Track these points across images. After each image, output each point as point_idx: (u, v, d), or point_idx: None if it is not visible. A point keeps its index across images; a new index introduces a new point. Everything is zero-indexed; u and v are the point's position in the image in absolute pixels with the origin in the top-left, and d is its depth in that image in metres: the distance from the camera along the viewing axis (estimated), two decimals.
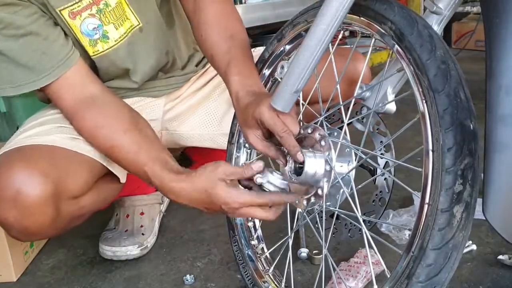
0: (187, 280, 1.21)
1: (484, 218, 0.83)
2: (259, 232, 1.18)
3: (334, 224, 1.03)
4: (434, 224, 0.72)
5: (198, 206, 0.99)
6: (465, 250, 1.23)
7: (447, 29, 3.74)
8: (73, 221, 1.15)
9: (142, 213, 1.44)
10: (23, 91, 1.08)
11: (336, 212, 0.94)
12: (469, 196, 0.72)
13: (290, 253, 1.03)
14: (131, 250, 1.33)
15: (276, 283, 1.10)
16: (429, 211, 0.73)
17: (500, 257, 1.18)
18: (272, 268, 1.11)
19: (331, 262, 0.93)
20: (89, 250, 1.41)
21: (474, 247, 1.24)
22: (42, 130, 1.14)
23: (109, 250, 1.33)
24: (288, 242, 1.04)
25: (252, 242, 1.17)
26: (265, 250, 1.16)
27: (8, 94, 1.10)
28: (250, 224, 1.18)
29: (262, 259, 1.15)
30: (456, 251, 0.73)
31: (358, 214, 0.87)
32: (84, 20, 1.12)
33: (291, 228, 1.06)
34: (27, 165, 1.02)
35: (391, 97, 0.94)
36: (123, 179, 1.21)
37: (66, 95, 1.09)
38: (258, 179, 0.94)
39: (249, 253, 1.16)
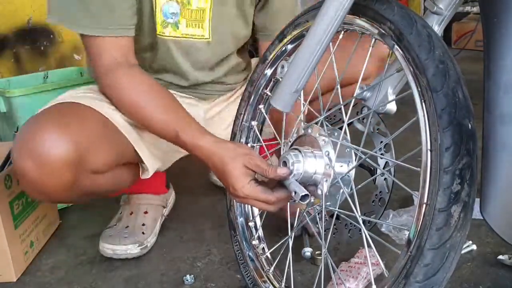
0: (187, 280, 1.21)
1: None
2: (260, 232, 1.18)
3: (335, 225, 1.03)
4: (431, 224, 0.72)
5: (215, 172, 1.03)
6: (465, 250, 1.23)
7: (447, 29, 3.74)
8: (82, 196, 1.20)
9: (146, 212, 1.44)
10: (79, 31, 1.15)
11: (336, 212, 0.94)
12: (467, 196, 0.72)
13: (290, 253, 1.03)
14: (131, 249, 1.33)
15: (276, 283, 1.10)
16: (427, 210, 0.73)
17: (500, 257, 1.18)
18: (272, 268, 1.12)
19: (331, 263, 0.93)
20: (89, 250, 1.41)
21: (474, 247, 1.24)
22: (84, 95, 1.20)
23: (109, 248, 1.33)
24: (288, 242, 1.04)
25: (253, 242, 1.17)
26: (266, 250, 1.16)
27: (68, 27, 1.17)
28: (251, 224, 1.18)
29: (263, 259, 1.15)
30: (454, 251, 0.73)
31: (358, 214, 0.87)
32: (169, 1, 1.22)
33: (291, 228, 1.06)
34: (60, 126, 1.07)
35: (391, 97, 0.94)
36: (151, 171, 1.25)
37: (109, 52, 1.14)
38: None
39: (250, 253, 1.16)
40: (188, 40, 1.28)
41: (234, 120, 1.22)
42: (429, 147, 0.73)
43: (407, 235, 1.28)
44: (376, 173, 1.00)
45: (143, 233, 1.38)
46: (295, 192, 0.90)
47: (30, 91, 1.55)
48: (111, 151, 1.16)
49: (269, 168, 0.95)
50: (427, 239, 0.72)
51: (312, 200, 0.96)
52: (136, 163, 1.27)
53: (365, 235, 0.86)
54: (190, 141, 1.06)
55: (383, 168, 0.99)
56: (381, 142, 0.97)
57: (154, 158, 1.26)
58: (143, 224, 1.40)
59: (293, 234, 1.05)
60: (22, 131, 1.10)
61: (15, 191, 1.29)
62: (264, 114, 1.18)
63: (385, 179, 0.98)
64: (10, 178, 1.28)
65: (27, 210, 1.35)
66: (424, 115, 0.75)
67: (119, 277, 1.27)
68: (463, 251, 1.23)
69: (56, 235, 1.50)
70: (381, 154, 0.99)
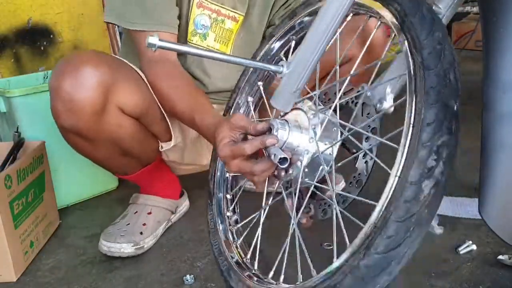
0: (187, 280, 1.21)
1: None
2: (235, 205, 1.20)
3: (309, 204, 1.02)
4: (400, 196, 0.71)
5: (213, 144, 1.07)
6: (465, 250, 1.23)
7: (447, 29, 3.74)
8: (105, 142, 1.26)
9: (149, 213, 1.45)
10: (132, 28, 1.29)
11: (312, 190, 0.94)
12: (440, 174, 0.71)
13: (260, 226, 1.04)
14: (125, 248, 1.33)
15: (242, 254, 1.11)
16: (398, 183, 0.72)
17: (500, 257, 1.18)
18: (241, 239, 1.13)
19: (298, 236, 0.93)
20: (89, 250, 1.41)
21: (474, 247, 1.24)
22: None
23: (105, 245, 1.34)
24: (260, 214, 1.05)
25: (227, 214, 1.18)
26: (238, 222, 1.18)
27: (123, 25, 1.32)
28: (228, 196, 1.20)
29: (234, 231, 1.16)
30: (419, 228, 0.72)
31: (332, 188, 0.87)
32: (202, 15, 1.38)
33: (266, 200, 1.07)
34: (101, 58, 1.21)
35: (389, 96, 0.94)
36: (173, 142, 1.37)
37: None
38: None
39: (222, 225, 1.17)
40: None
41: (231, 94, 1.26)
42: (411, 122, 0.73)
43: None
44: (358, 155, 0.99)
45: (141, 233, 1.38)
46: (274, 155, 0.90)
47: (30, 91, 1.55)
48: (141, 98, 1.27)
49: (251, 125, 0.96)
50: (394, 211, 0.71)
51: (291, 172, 0.96)
52: (156, 140, 1.38)
53: (336, 212, 0.85)
54: (201, 122, 1.13)
55: (366, 153, 0.98)
56: (369, 126, 0.96)
57: (178, 132, 1.38)
58: (144, 224, 1.41)
59: (267, 207, 1.06)
60: (63, 59, 1.22)
61: (15, 191, 1.29)
62: (262, 92, 1.20)
63: (366, 162, 0.97)
64: (10, 178, 1.28)
65: (27, 210, 1.35)
66: (412, 91, 0.75)
67: (119, 277, 1.27)
68: (463, 251, 1.23)
69: (56, 235, 1.50)
70: (368, 129, 0.97)
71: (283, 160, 0.89)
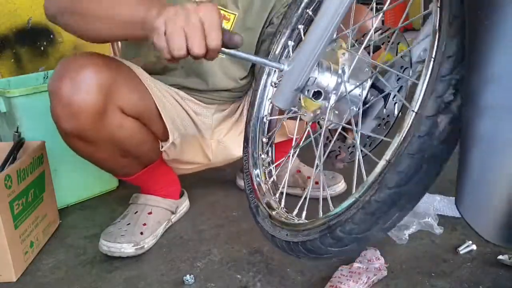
0: (187, 280, 1.21)
1: None
2: (270, 148, 1.23)
3: (339, 147, 1.02)
4: (415, 131, 0.69)
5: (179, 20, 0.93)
6: (465, 250, 1.23)
7: None
8: (107, 143, 1.26)
9: (150, 213, 1.45)
10: None
11: (340, 132, 0.96)
12: (458, 109, 0.68)
13: (288, 169, 1.10)
14: (125, 248, 1.33)
15: (272, 195, 1.14)
16: (415, 118, 0.70)
17: (500, 257, 1.17)
18: (272, 179, 1.16)
19: (322, 178, 0.95)
20: (89, 250, 1.41)
21: (474, 247, 1.24)
22: None
23: (105, 245, 1.34)
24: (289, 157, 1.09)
25: (262, 156, 1.21)
26: (271, 164, 1.20)
27: None
28: (264, 139, 1.24)
29: (266, 172, 1.19)
30: (432, 164, 0.70)
31: (356, 128, 0.87)
32: None
33: (296, 146, 1.10)
34: (99, 59, 1.21)
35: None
36: (171, 138, 1.37)
37: None
38: None
39: (254, 164, 1.20)
40: None
41: (272, 38, 1.28)
42: (433, 56, 0.70)
43: (406, 235, 1.28)
44: (388, 96, 0.95)
45: (141, 233, 1.38)
46: (308, 90, 0.91)
47: (30, 91, 1.55)
48: (139, 96, 1.28)
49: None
50: (407, 146, 0.69)
51: (318, 114, 0.97)
52: (157, 140, 1.39)
53: (359, 151, 0.86)
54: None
55: (397, 92, 0.96)
56: (401, 67, 0.93)
57: (174, 129, 1.38)
58: (144, 224, 1.41)
59: (296, 151, 1.10)
60: (60, 62, 1.21)
61: (15, 191, 1.29)
62: (302, 35, 1.20)
63: (395, 103, 0.95)
64: (10, 178, 1.28)
65: (27, 210, 1.35)
66: (436, 23, 0.70)
67: (119, 277, 1.27)
68: (463, 251, 1.23)
69: (56, 235, 1.50)
70: (400, 70, 0.94)
71: (317, 94, 0.89)
